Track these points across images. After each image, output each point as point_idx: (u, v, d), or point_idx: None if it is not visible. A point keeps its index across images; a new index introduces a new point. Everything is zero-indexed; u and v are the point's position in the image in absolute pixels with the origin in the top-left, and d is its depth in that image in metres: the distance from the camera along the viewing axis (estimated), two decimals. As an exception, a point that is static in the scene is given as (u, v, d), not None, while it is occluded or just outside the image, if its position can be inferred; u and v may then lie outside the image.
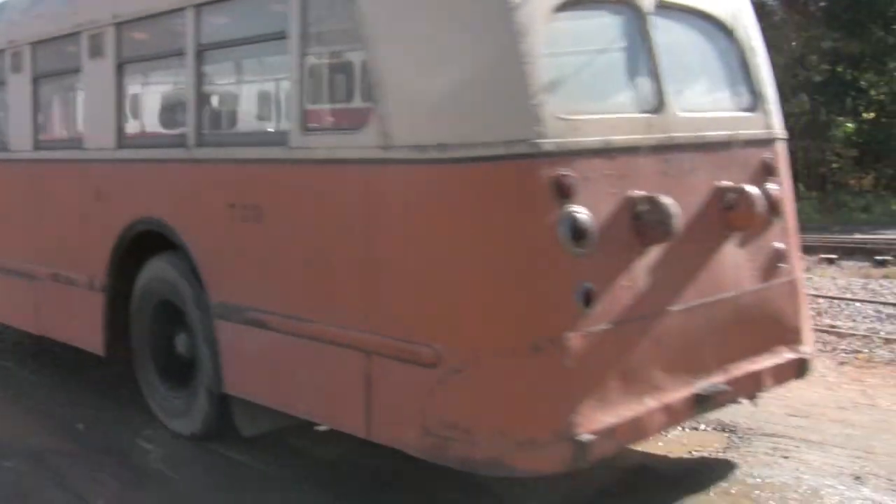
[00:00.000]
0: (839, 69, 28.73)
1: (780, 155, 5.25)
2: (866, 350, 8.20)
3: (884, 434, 5.77)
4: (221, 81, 5.60)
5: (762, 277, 5.00)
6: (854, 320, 9.70)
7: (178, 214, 5.48)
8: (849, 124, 28.63)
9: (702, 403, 4.55)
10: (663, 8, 4.73)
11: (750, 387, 4.90)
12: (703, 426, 5.80)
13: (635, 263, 4.29)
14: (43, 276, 6.94)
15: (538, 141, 3.94)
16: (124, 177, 6.00)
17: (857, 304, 10.56)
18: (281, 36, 4.64)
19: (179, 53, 5.38)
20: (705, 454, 5.38)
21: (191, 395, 5.65)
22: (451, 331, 4.03)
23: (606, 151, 4.21)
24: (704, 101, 4.98)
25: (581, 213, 4.02)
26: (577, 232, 3.99)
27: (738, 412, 5.77)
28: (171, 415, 5.87)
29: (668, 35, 4.74)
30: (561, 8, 4.20)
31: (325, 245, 4.52)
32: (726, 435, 5.70)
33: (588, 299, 4.03)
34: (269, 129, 4.91)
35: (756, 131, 5.11)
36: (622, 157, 4.27)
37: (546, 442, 3.92)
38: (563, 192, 3.99)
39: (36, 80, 7.01)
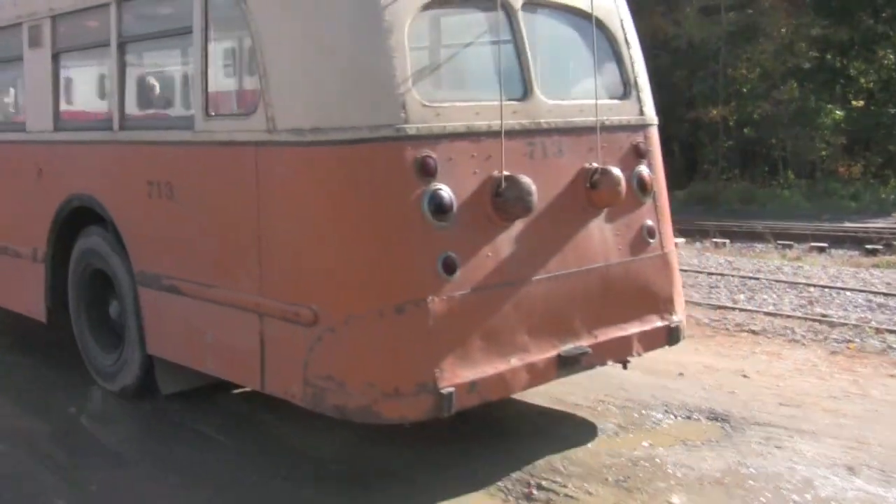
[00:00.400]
0: (828, 56, 28.78)
1: (652, 139, 5.76)
2: (857, 340, 8.19)
3: (876, 424, 5.77)
4: (140, 70, 6.07)
5: (631, 251, 5.51)
6: (845, 309, 9.70)
7: (106, 191, 5.98)
8: (837, 112, 28.55)
9: (566, 365, 5.05)
10: (533, 4, 5.23)
11: (618, 351, 5.41)
12: (695, 415, 5.90)
13: (498, 236, 4.80)
14: None
15: (402, 126, 4.46)
16: (60, 156, 6.48)
17: (848, 293, 10.62)
18: (187, 30, 5.15)
19: (104, 44, 5.88)
20: (698, 444, 5.40)
21: (120, 356, 6.16)
22: (326, 293, 4.54)
23: (470, 135, 4.71)
24: (573, 90, 5.47)
25: (443, 189, 4.53)
26: (439, 207, 4.52)
27: (730, 402, 6.07)
28: (104, 376, 6.38)
29: (537, 29, 5.27)
30: (429, 6, 4.70)
31: (225, 219, 5.03)
32: (719, 425, 5.74)
33: (449, 267, 4.55)
34: (179, 114, 5.40)
35: (627, 118, 5.62)
36: (486, 140, 4.77)
37: (410, 392, 4.44)
38: (426, 171, 4.50)
39: None
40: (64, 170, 6.46)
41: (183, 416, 5.91)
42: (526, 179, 4.77)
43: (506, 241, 4.84)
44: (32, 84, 6.75)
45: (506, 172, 4.76)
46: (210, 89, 5.09)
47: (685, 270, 11.08)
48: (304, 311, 4.57)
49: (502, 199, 4.73)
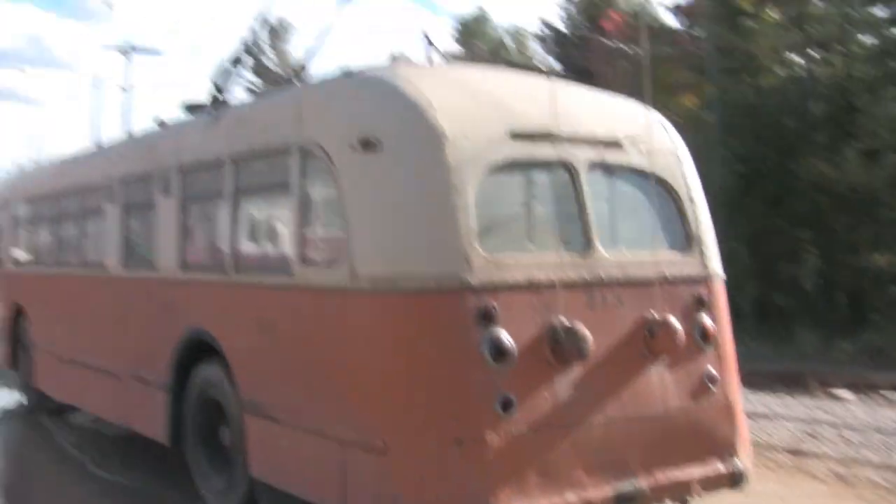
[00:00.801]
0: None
1: (715, 291, 6.12)
2: None
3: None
4: (250, 219, 6.88)
5: (692, 397, 5.82)
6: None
7: (219, 326, 6.72)
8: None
9: (622, 501, 5.38)
10: (597, 165, 5.79)
11: (676, 491, 5.68)
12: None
13: (556, 379, 5.23)
14: (122, 375, 8.28)
15: (465, 278, 5.01)
16: (183, 294, 7.31)
17: None
18: (286, 186, 5.92)
19: (220, 196, 6.74)
20: None
21: (230, 478, 6.76)
22: (397, 427, 5.05)
23: (530, 286, 5.22)
24: (634, 245, 5.92)
25: (502, 335, 5.03)
26: (497, 351, 5.00)
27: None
28: (215, 495, 6.98)
29: (601, 188, 5.79)
30: (496, 170, 5.32)
31: (314, 355, 5.64)
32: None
33: (506, 406, 5.00)
34: (280, 260, 6.13)
35: (689, 271, 6.02)
36: (547, 291, 5.27)
37: None
38: (487, 318, 5.02)
39: (126, 210, 8.54)
40: (186, 306, 7.26)
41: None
42: (581, 327, 5.21)
43: (564, 384, 5.26)
44: (162, 228, 7.68)
45: (563, 320, 5.22)
46: (303, 239, 5.80)
47: (856, 429, 10.69)
48: (377, 442, 5.08)
49: (559, 345, 5.18)
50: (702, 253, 6.15)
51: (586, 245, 5.59)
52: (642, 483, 5.47)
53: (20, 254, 12.09)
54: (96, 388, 9.03)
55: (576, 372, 5.31)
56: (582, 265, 5.51)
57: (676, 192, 6.17)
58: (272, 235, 6.53)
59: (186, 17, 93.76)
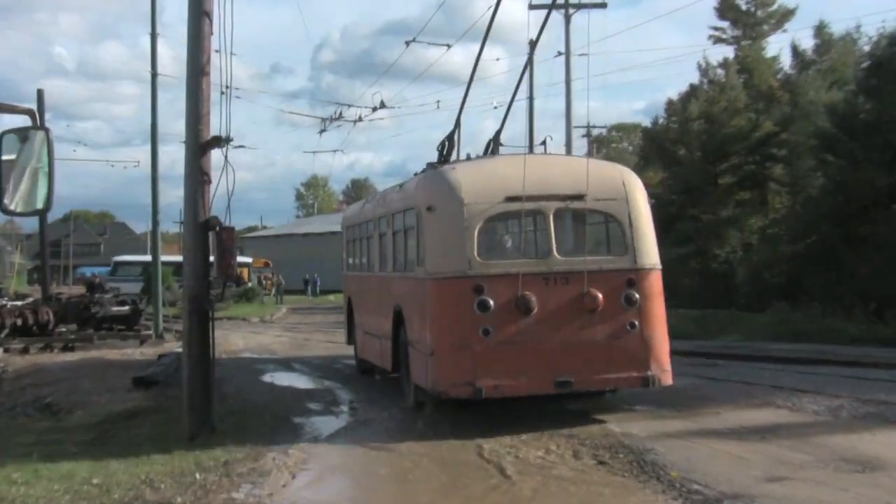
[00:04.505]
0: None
1: (642, 276, 10.83)
2: None
3: None
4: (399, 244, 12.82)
5: (616, 334, 10.66)
6: None
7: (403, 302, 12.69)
8: None
9: (559, 387, 10.47)
10: (564, 211, 10.91)
11: (599, 385, 10.76)
12: None
13: (519, 321, 10.46)
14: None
15: (467, 270, 10.47)
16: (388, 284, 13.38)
17: None
18: (411, 227, 11.70)
19: (384, 233, 12.86)
20: None
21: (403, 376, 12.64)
22: (434, 338, 10.65)
23: (507, 275, 10.50)
24: (581, 252, 10.91)
25: (486, 299, 10.39)
26: (483, 306, 10.39)
27: None
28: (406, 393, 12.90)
29: (564, 224, 10.92)
30: (492, 219, 10.73)
31: (418, 310, 11.33)
32: None
33: (486, 333, 10.37)
34: (410, 265, 11.94)
35: (622, 266, 10.83)
36: (518, 277, 10.49)
37: (463, 384, 10.32)
38: (478, 290, 10.43)
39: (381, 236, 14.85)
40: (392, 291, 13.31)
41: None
42: (531, 295, 10.39)
43: (526, 323, 10.47)
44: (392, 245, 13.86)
45: (524, 292, 10.42)
46: (411, 255, 11.60)
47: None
48: (424, 348, 10.73)
49: (517, 304, 10.42)
50: (635, 256, 10.89)
51: (547, 253, 10.74)
52: (574, 378, 10.48)
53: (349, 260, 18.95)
54: (373, 345, 15.38)
55: (534, 317, 10.47)
56: (543, 264, 10.66)
57: (620, 223, 11.00)
58: (408, 250, 12.39)
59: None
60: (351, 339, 17.70)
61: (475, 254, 10.57)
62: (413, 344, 11.67)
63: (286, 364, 19.46)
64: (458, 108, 12.88)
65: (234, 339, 26.24)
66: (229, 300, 39.60)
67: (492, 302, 10.43)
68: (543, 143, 12.73)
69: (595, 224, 11.42)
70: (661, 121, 42.36)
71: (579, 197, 10.99)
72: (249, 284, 51.08)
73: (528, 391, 10.55)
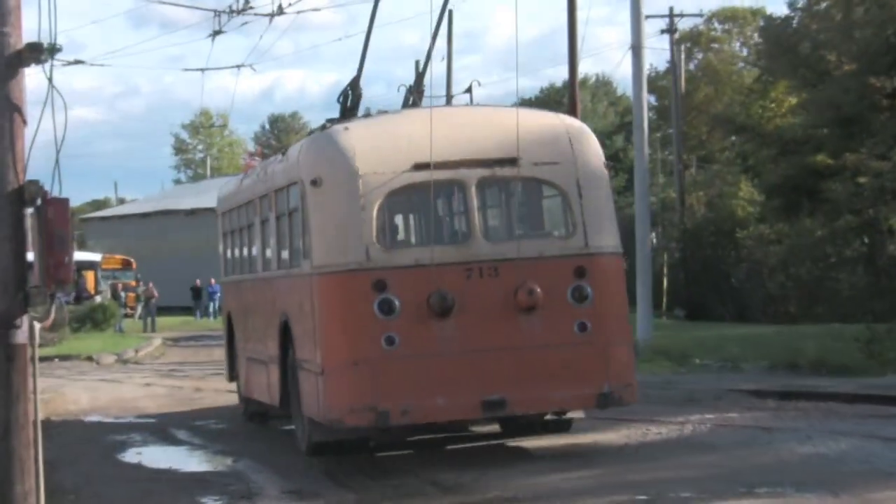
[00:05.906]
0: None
1: (596, 263, 8.36)
2: None
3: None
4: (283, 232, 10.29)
5: (561, 340, 8.19)
6: None
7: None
8: None
9: (489, 409, 8.01)
10: (489, 180, 8.40)
11: (538, 405, 8.25)
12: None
13: (434, 325, 7.99)
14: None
15: (365, 263, 7.97)
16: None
17: None
18: (295, 210, 9.11)
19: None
20: None
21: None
22: (324, 353, 8.14)
23: (417, 266, 8.03)
24: (512, 234, 8.43)
25: (390, 298, 7.91)
26: (385, 307, 7.90)
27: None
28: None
29: (491, 197, 8.40)
30: (396, 194, 8.21)
31: (304, 309, 8.80)
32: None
33: (391, 341, 7.88)
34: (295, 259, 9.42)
35: (568, 250, 8.36)
36: (431, 268, 8.02)
37: (362, 409, 7.83)
38: (379, 287, 7.94)
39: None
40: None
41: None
42: (448, 292, 7.91)
43: (443, 328, 8.00)
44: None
45: (439, 288, 7.95)
46: (296, 245, 9.05)
47: None
48: (314, 367, 8.24)
49: (431, 304, 7.94)
50: (584, 236, 8.42)
51: (469, 237, 8.27)
52: (508, 397, 8.02)
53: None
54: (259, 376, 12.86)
55: (453, 320, 8.01)
56: (465, 252, 8.19)
57: (566, 194, 8.51)
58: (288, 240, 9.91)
59: None
60: (233, 373, 13.08)
61: (375, 240, 8.09)
62: (302, 364, 8.96)
63: (163, 432, 12.51)
64: (364, 40, 9.78)
65: (73, 392, 17.32)
66: (63, 326, 25.38)
67: (397, 302, 7.97)
68: (469, 90, 9.96)
69: (532, 197, 8.92)
70: (798, 4, 27.01)
71: (510, 161, 8.48)
72: (98, 298, 35.47)
73: (447, 416, 8.11)
